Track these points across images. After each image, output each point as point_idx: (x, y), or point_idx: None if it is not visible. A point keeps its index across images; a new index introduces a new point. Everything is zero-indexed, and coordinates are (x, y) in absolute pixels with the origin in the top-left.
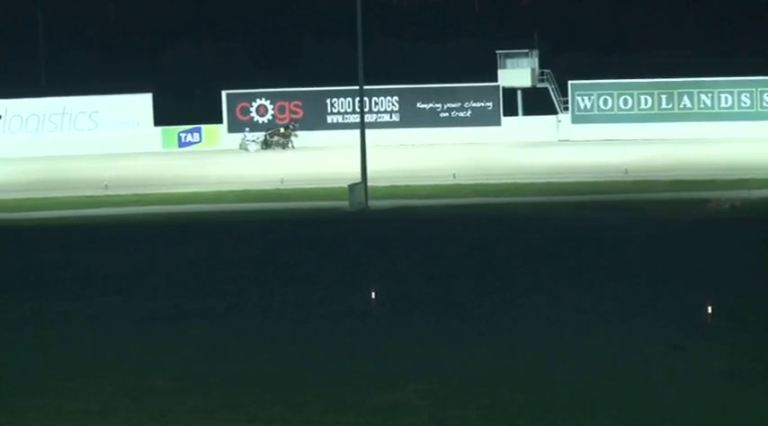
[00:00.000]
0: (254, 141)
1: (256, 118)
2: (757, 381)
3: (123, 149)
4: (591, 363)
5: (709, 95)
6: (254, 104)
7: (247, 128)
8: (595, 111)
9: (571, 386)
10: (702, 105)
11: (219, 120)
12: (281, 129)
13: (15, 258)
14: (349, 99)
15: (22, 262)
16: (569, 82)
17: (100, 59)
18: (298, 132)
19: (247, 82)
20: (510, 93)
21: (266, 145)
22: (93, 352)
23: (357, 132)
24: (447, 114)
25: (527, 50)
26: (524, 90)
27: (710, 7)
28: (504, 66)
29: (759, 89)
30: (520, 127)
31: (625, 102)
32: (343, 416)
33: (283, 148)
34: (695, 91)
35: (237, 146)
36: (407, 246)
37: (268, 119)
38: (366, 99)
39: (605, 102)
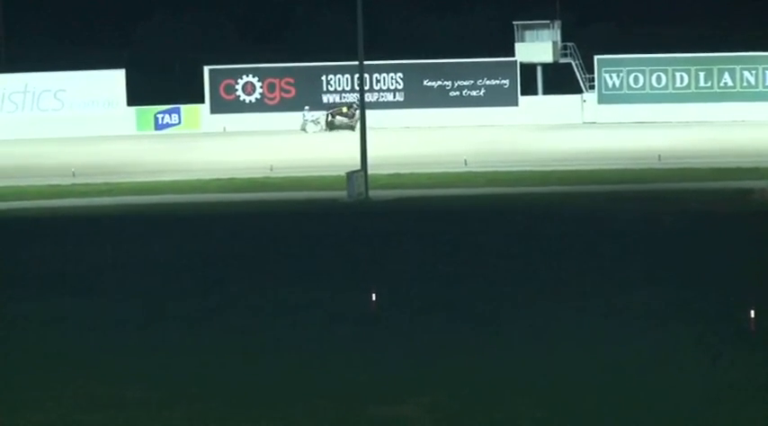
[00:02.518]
0: (313, 121)
1: (243, 97)
2: None
3: (93, 132)
4: (619, 374)
5: (753, 72)
6: (240, 82)
7: (307, 107)
8: (625, 90)
9: (597, 400)
10: (746, 83)
11: (201, 100)
12: (344, 109)
13: None
14: (347, 75)
15: None
16: (595, 57)
17: (66, 31)
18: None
19: (233, 56)
20: (529, 69)
21: (330, 126)
22: (56, 359)
23: (356, 113)
24: (457, 93)
25: (548, 21)
26: (545, 66)
27: None
28: (522, 39)
29: None
30: (540, 107)
31: (658, 79)
32: None
33: (349, 130)
34: (737, 67)
35: (299, 127)
36: (412, 242)
37: (256, 99)
38: (366, 76)
39: (636, 79)
